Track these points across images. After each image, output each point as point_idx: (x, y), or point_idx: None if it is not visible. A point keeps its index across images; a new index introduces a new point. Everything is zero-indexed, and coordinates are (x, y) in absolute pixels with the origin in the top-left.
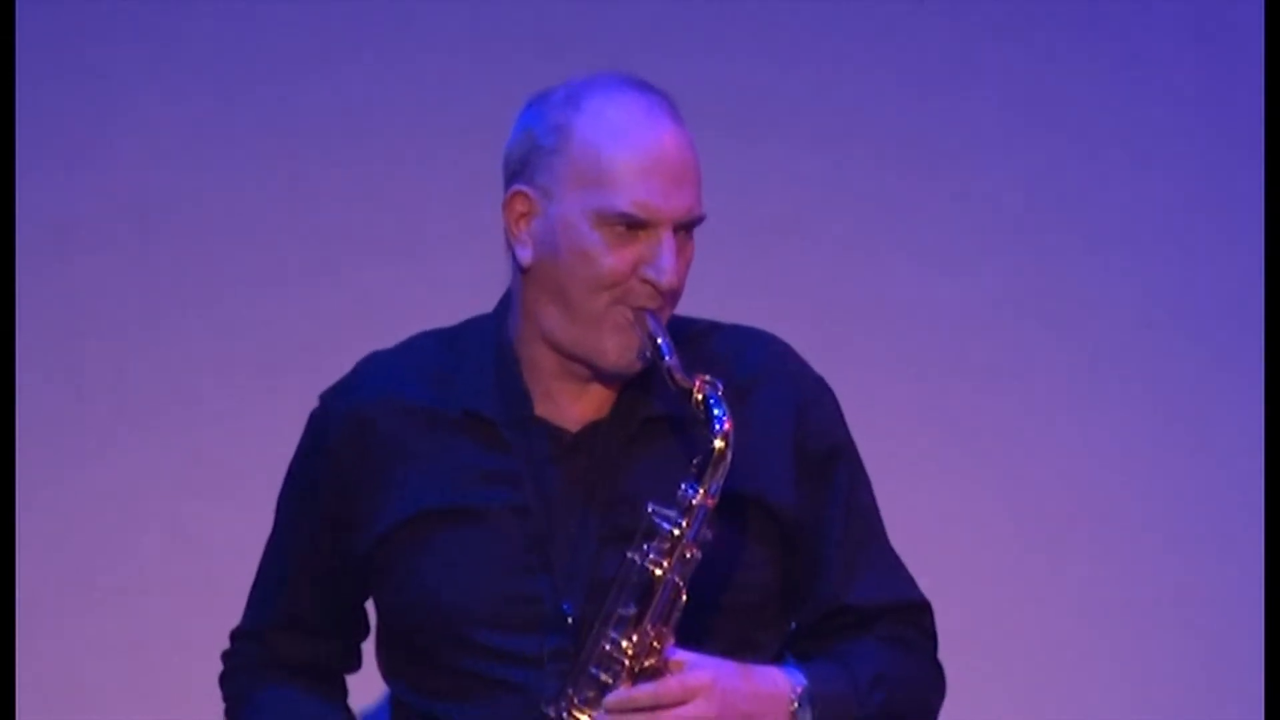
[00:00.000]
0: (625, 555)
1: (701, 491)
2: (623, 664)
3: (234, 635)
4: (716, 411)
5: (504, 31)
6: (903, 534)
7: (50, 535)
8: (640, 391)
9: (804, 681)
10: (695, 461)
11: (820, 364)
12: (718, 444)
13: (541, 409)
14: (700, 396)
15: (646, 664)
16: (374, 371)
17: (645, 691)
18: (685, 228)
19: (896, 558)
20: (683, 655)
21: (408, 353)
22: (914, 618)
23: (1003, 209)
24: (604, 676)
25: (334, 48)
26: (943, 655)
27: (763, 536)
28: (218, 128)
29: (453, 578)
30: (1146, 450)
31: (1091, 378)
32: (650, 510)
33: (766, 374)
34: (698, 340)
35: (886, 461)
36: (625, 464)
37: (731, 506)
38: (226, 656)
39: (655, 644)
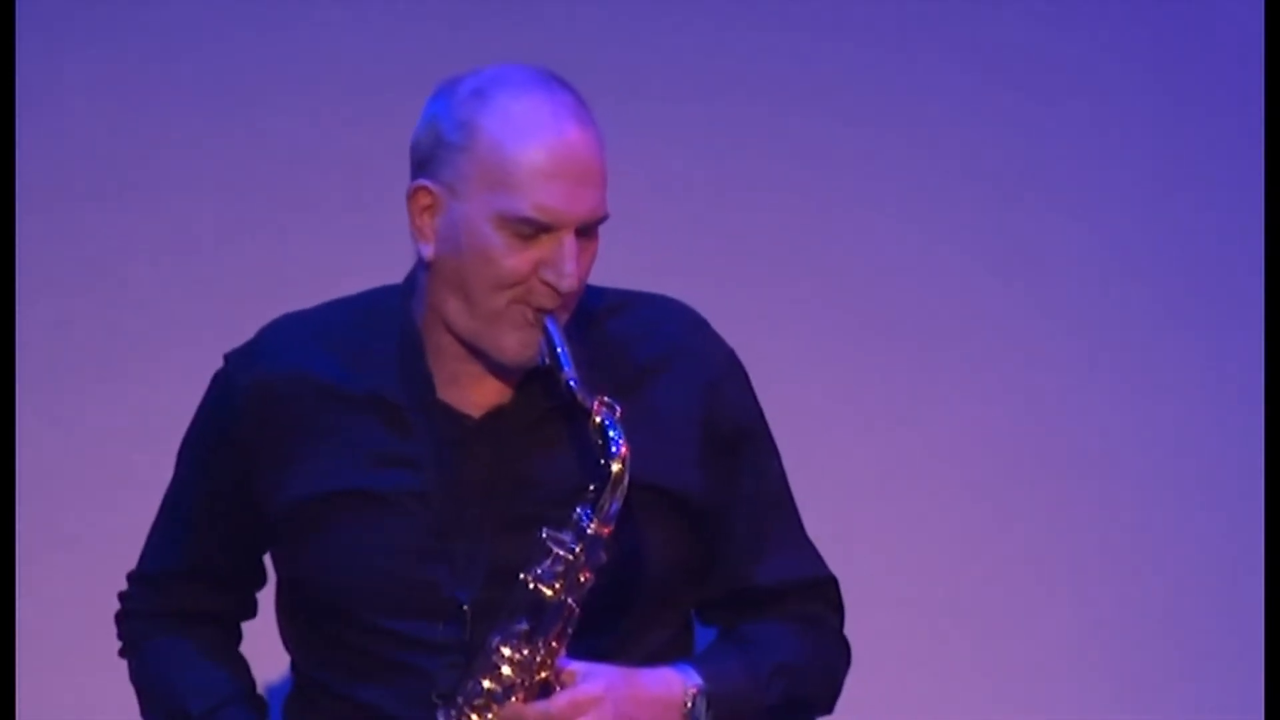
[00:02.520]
0: (519, 576)
1: (596, 520)
2: (513, 679)
3: (131, 578)
4: (612, 433)
5: None
6: (864, 508)
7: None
8: (544, 379)
9: (698, 681)
10: (591, 486)
11: (795, 328)
12: (614, 468)
13: (445, 393)
14: (598, 420)
15: (539, 677)
16: (284, 340)
17: (536, 710)
18: (588, 228)
19: (804, 534)
20: (574, 666)
21: (318, 322)
22: (821, 593)
23: (992, 176)
24: (494, 687)
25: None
26: (934, 646)
27: (667, 520)
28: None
29: (352, 561)
30: (1141, 428)
31: (1086, 355)
32: (545, 536)
33: (676, 352)
34: (609, 315)
35: (850, 434)
36: (527, 451)
37: (637, 490)
38: (123, 598)
39: (546, 660)
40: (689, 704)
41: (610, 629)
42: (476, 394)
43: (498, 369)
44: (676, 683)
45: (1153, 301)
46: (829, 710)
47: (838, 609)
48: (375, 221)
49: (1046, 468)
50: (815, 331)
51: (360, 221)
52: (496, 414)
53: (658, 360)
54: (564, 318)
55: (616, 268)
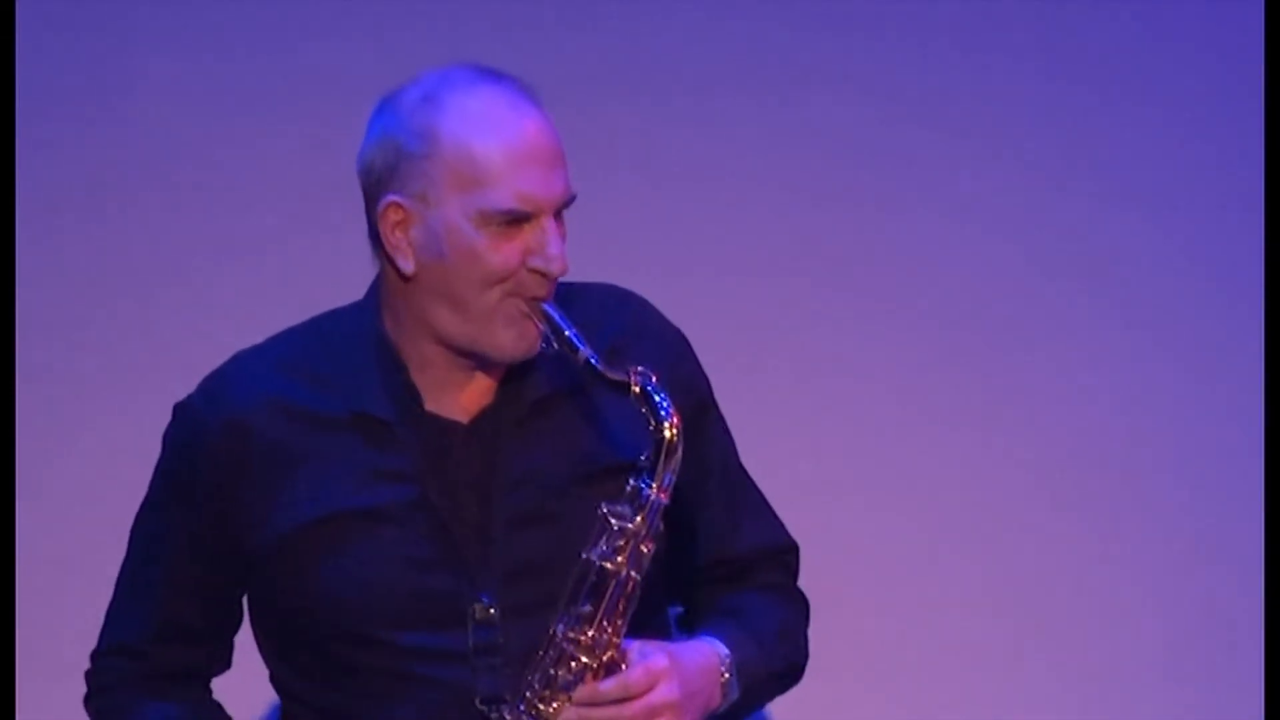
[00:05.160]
0: (581, 556)
1: (655, 486)
2: (582, 661)
3: (96, 654)
4: (659, 399)
5: None
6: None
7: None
8: (525, 373)
9: (727, 652)
10: (644, 455)
11: (836, 321)
12: (667, 434)
13: (431, 404)
14: (639, 389)
15: (606, 658)
16: (245, 375)
17: (613, 684)
18: (560, 211)
19: (764, 500)
20: (634, 644)
21: (275, 352)
22: (786, 560)
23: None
24: (563, 673)
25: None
26: (934, 646)
27: None
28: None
29: (360, 580)
30: (1141, 428)
31: (1085, 356)
32: (604, 511)
33: (634, 335)
34: (563, 304)
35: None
36: (520, 446)
37: (617, 478)
38: (90, 675)
39: (613, 638)
40: (725, 674)
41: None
42: (463, 399)
43: (484, 369)
44: (713, 654)
45: (1154, 301)
46: (801, 677)
47: (795, 576)
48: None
49: (1046, 468)
50: (815, 327)
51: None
52: (484, 416)
53: (618, 344)
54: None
55: (623, 265)
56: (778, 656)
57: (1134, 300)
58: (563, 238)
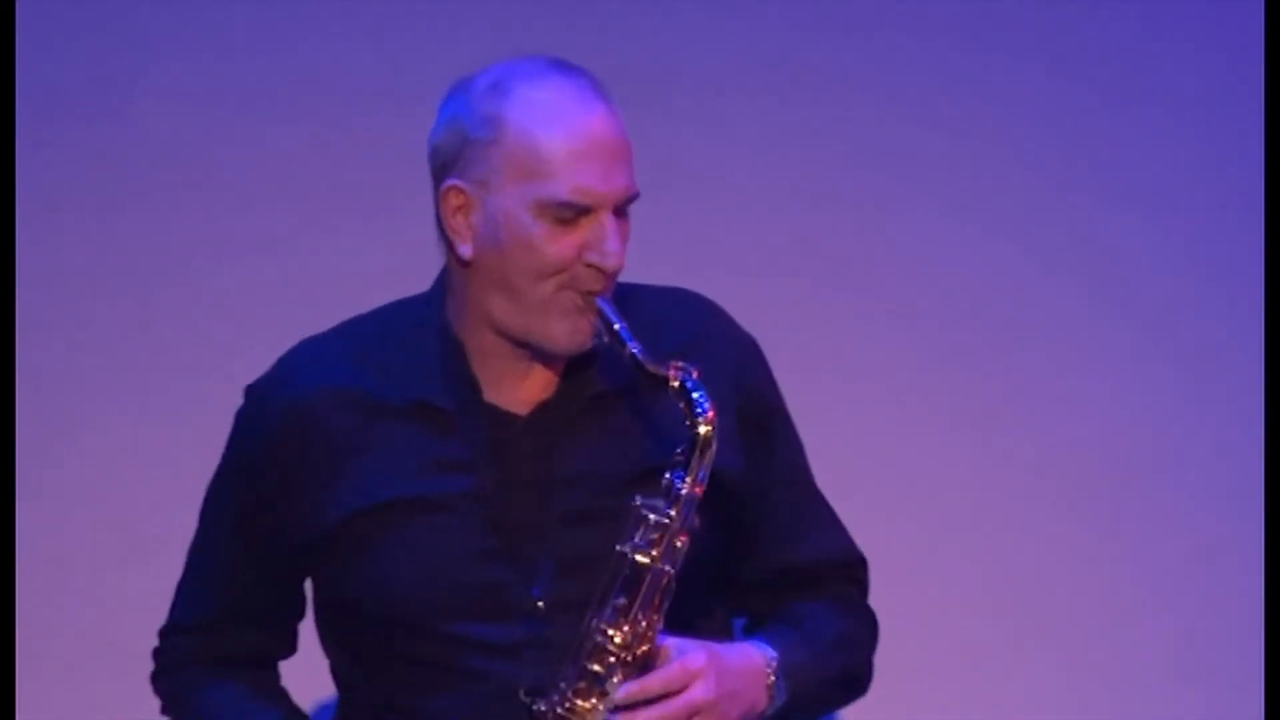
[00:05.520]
0: (615, 548)
1: (689, 480)
2: (616, 655)
3: (164, 632)
4: (696, 395)
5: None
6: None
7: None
8: (585, 369)
9: (774, 655)
10: (680, 450)
11: (840, 319)
12: (702, 430)
13: (490, 394)
14: (678, 384)
15: (639, 652)
16: (308, 362)
17: (655, 680)
18: (623, 207)
19: (833, 512)
20: (670, 641)
21: (340, 340)
22: (854, 573)
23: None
24: (597, 667)
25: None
26: (934, 645)
27: (713, 504)
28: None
29: (413, 570)
30: (1140, 429)
31: (1085, 356)
32: (638, 503)
33: (701, 337)
34: (627, 305)
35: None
36: (577, 442)
37: None
38: (158, 654)
39: (648, 632)
40: (771, 676)
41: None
42: (522, 391)
43: (543, 362)
44: (758, 655)
45: (1154, 301)
46: (865, 689)
47: (866, 589)
48: (378, 229)
49: (1045, 468)
50: (813, 327)
51: (363, 230)
52: (542, 409)
53: (685, 346)
54: (607, 296)
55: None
56: (832, 664)
57: (1134, 300)
58: (624, 235)
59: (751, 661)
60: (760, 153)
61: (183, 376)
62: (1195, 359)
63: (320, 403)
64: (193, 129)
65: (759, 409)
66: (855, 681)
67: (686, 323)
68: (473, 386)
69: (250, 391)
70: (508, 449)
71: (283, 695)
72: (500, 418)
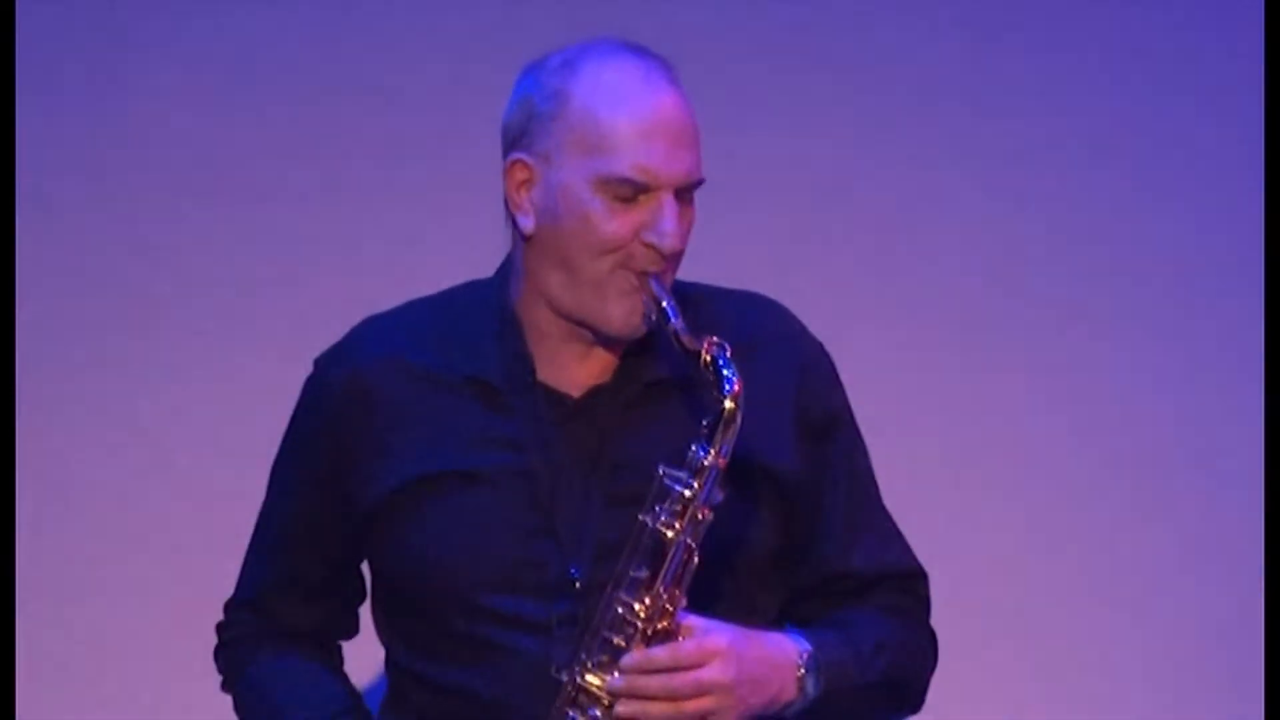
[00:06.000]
0: (637, 518)
1: (713, 452)
2: (635, 626)
3: (229, 605)
4: (726, 372)
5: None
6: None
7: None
8: (642, 355)
9: (809, 648)
10: (705, 423)
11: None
12: (728, 404)
13: (544, 374)
14: (709, 358)
15: (659, 626)
16: (372, 335)
17: (663, 653)
18: (685, 191)
19: (894, 524)
20: (695, 620)
21: (404, 316)
22: (911, 585)
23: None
24: (617, 639)
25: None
26: (955, 632)
27: (763, 499)
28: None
29: (457, 542)
30: (1140, 429)
31: (1085, 356)
32: (661, 473)
33: (768, 337)
34: (697, 304)
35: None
36: (628, 428)
37: (733, 468)
38: (221, 628)
39: (668, 606)
40: (801, 669)
41: (711, 608)
42: (577, 373)
43: (599, 344)
44: (790, 646)
45: (1154, 300)
46: (918, 706)
47: (925, 603)
48: (377, 226)
49: (1043, 468)
50: (812, 327)
51: (363, 224)
52: (596, 393)
53: (750, 342)
54: (667, 280)
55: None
56: (875, 668)
57: (1135, 300)
58: (686, 220)
59: (782, 651)
60: (755, 153)
61: (183, 375)
62: (1196, 358)
63: (380, 373)
64: (193, 128)
65: (821, 414)
66: (904, 692)
67: (751, 323)
68: (527, 365)
69: (317, 363)
70: (557, 429)
71: (337, 672)
72: (553, 398)
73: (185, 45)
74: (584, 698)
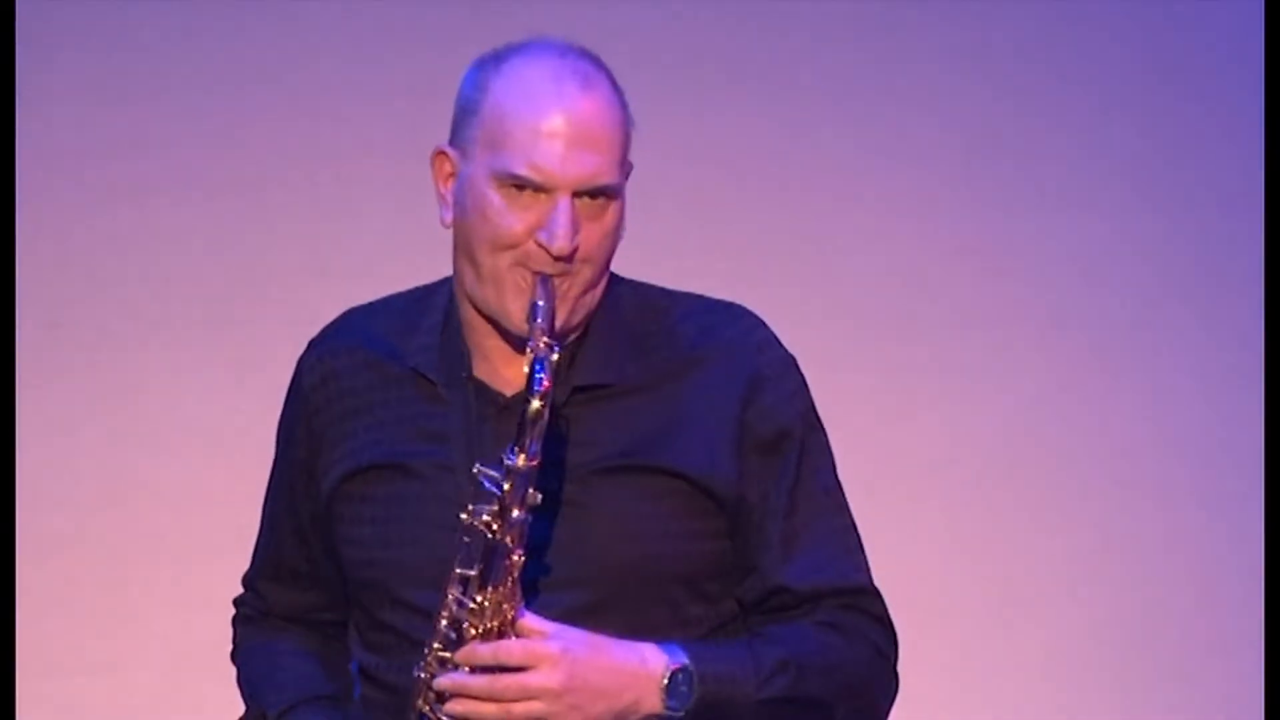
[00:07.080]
0: (458, 515)
1: (521, 455)
2: (469, 624)
3: (243, 581)
4: (539, 373)
5: None
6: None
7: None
8: (573, 359)
9: (683, 660)
10: (518, 423)
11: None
12: (533, 404)
13: (480, 370)
14: (530, 356)
15: (491, 625)
16: (345, 324)
17: (486, 650)
18: (590, 195)
19: (851, 541)
20: (533, 622)
21: (384, 306)
22: (857, 602)
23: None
24: (454, 636)
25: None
26: (932, 646)
27: (692, 510)
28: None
29: (386, 534)
30: (1140, 429)
31: (1084, 356)
32: (477, 470)
33: (724, 349)
34: (673, 308)
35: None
36: (553, 430)
37: (656, 478)
38: (236, 604)
39: (503, 605)
40: (666, 680)
41: (638, 617)
42: (508, 371)
43: (521, 345)
44: (655, 658)
45: (1154, 301)
46: (855, 714)
47: (878, 621)
48: (376, 223)
49: (1043, 469)
50: (809, 326)
51: (363, 223)
52: None
53: (704, 351)
54: (572, 289)
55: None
56: (776, 684)
57: (1134, 300)
58: (599, 227)
59: (641, 661)
60: (755, 152)
61: (182, 375)
62: (1196, 358)
63: (343, 363)
64: (194, 127)
65: (770, 428)
66: (832, 712)
67: (718, 332)
68: (461, 360)
69: (301, 354)
70: (487, 425)
71: (324, 656)
72: (484, 394)
73: (185, 46)
74: (430, 693)
